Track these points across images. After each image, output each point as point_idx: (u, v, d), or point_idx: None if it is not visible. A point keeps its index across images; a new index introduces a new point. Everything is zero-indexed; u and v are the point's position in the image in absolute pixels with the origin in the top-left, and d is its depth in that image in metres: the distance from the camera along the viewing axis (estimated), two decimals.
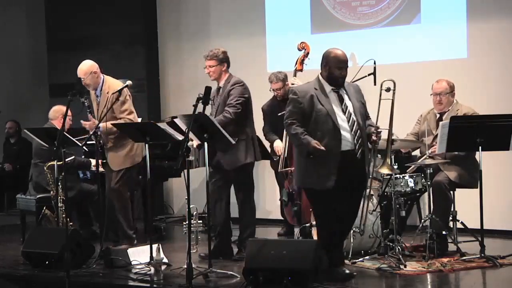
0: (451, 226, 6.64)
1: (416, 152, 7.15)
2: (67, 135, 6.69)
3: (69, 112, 7.56)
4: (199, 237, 6.44)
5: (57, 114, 7.72)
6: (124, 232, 7.10)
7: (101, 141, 6.99)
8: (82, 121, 7.00)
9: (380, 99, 6.13)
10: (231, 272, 5.98)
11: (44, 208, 7.45)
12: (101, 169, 7.50)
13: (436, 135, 6.70)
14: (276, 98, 7.88)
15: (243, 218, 6.73)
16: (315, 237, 6.71)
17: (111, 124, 6.82)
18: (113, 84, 7.07)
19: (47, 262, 6.37)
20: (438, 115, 6.85)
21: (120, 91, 6.83)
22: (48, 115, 7.96)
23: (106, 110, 6.78)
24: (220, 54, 6.62)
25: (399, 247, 6.28)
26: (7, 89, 11.21)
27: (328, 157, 5.59)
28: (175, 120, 6.55)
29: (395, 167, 6.45)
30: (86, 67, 7.06)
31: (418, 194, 6.88)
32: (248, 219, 6.72)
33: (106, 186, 7.15)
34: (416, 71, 8.19)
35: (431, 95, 6.84)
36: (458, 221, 6.61)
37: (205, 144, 6.07)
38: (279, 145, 7.56)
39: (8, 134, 10.92)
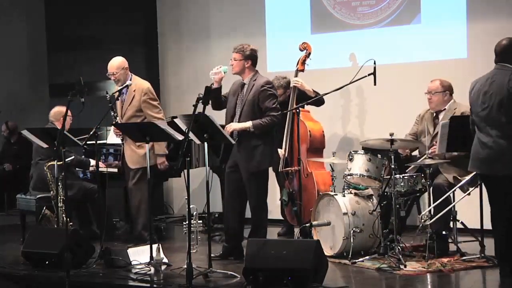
0: (451, 226, 6.64)
1: (416, 153, 7.15)
2: (68, 134, 6.70)
3: (69, 112, 7.63)
4: (199, 237, 6.44)
5: (59, 117, 7.70)
6: (138, 232, 7.18)
7: (122, 137, 7.16)
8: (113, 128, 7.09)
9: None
10: (231, 272, 5.98)
11: (44, 208, 7.45)
12: (102, 168, 7.53)
13: (434, 135, 6.71)
14: None
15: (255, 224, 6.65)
16: (315, 237, 6.73)
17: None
18: (140, 83, 7.15)
19: (47, 262, 6.37)
20: (434, 114, 6.87)
21: (120, 91, 6.88)
22: (49, 117, 7.96)
23: (128, 109, 7.00)
24: (247, 50, 6.54)
25: (399, 247, 6.29)
26: (7, 89, 11.21)
27: None
28: (175, 120, 6.56)
29: (395, 167, 6.45)
30: (118, 62, 7.15)
31: (418, 194, 6.88)
32: (259, 226, 6.65)
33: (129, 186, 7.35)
34: (416, 71, 8.19)
35: (425, 93, 6.88)
36: (458, 221, 6.61)
37: (205, 144, 6.09)
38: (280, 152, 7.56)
39: (3, 136, 10.93)
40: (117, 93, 7.01)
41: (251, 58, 6.58)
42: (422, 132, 6.88)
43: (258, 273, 5.50)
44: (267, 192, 6.72)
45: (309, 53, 7.82)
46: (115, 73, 7.10)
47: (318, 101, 7.52)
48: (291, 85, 7.72)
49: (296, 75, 7.77)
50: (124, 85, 7.04)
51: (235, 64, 6.57)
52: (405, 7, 8.37)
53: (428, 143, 6.68)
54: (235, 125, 6.47)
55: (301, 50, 7.87)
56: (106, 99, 7.09)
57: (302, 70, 7.81)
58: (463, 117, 6.60)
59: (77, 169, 8.02)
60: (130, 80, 7.15)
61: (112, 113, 7.10)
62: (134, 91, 7.10)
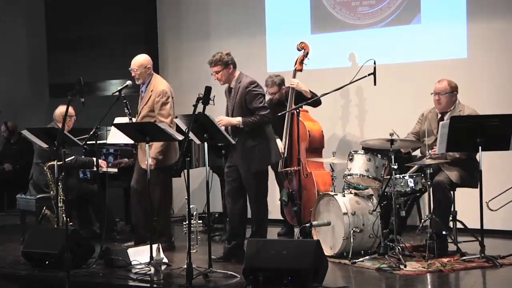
0: (451, 226, 6.65)
1: (417, 152, 7.15)
2: (68, 134, 6.70)
3: (73, 112, 7.65)
4: (199, 237, 6.44)
5: (61, 117, 7.68)
6: (162, 231, 7.16)
7: None
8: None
9: None
10: (231, 272, 5.98)
11: (44, 208, 7.45)
12: (103, 169, 7.53)
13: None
14: (272, 100, 7.85)
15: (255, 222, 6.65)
16: (315, 237, 6.73)
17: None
18: (158, 84, 7.12)
19: (47, 262, 6.37)
20: (439, 115, 6.85)
21: (120, 91, 6.88)
22: (54, 116, 7.96)
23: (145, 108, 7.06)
24: (224, 57, 6.47)
25: (399, 247, 6.29)
26: (7, 89, 11.21)
27: None
28: (175, 120, 6.56)
29: (395, 167, 6.46)
30: (142, 59, 7.15)
31: (418, 194, 6.88)
32: (261, 226, 6.64)
33: (132, 182, 7.24)
34: (416, 71, 8.20)
35: (431, 94, 6.84)
36: (458, 221, 6.61)
37: (205, 144, 6.09)
38: (279, 144, 7.52)
39: (3, 136, 10.93)
40: (119, 91, 6.96)
41: (231, 63, 6.52)
42: (425, 132, 6.85)
43: (258, 273, 5.50)
44: (267, 191, 6.72)
45: (307, 53, 7.83)
46: (135, 69, 7.10)
47: (315, 101, 7.52)
48: (286, 85, 7.73)
49: (294, 75, 7.77)
50: (124, 85, 7.02)
51: (219, 76, 6.50)
52: (405, 7, 8.37)
53: (429, 143, 6.67)
54: (225, 119, 6.46)
55: (299, 50, 7.88)
56: (114, 95, 7.03)
57: (300, 70, 7.81)
58: (463, 117, 6.60)
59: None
60: (150, 81, 7.13)
61: (126, 110, 7.15)
62: (151, 91, 7.08)
